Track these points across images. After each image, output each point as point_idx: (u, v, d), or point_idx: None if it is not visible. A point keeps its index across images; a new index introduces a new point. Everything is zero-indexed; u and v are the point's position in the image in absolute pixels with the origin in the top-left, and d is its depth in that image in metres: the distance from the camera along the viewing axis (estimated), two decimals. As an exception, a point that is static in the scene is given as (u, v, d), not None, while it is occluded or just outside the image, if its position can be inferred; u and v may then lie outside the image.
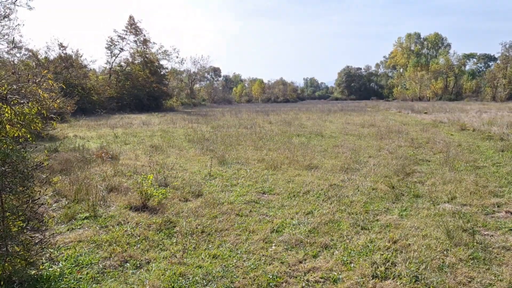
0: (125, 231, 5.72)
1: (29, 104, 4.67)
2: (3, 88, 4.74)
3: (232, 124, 23.47)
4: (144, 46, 48.86)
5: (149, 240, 5.42)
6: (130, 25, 47.48)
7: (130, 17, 47.39)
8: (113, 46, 46.82)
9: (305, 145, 14.43)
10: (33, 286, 4.14)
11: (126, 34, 47.29)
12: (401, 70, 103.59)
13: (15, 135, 4.57)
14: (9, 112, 4.57)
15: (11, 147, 4.28)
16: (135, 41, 48.18)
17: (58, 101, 4.75)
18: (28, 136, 4.61)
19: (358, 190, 7.80)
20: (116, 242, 5.34)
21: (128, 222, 6.09)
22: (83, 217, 6.29)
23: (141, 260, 4.83)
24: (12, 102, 4.57)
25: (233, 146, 14.14)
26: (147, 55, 48.56)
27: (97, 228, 5.87)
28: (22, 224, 4.17)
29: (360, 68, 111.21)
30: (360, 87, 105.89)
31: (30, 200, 4.26)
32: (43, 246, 4.33)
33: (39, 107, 4.66)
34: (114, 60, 47.83)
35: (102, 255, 4.95)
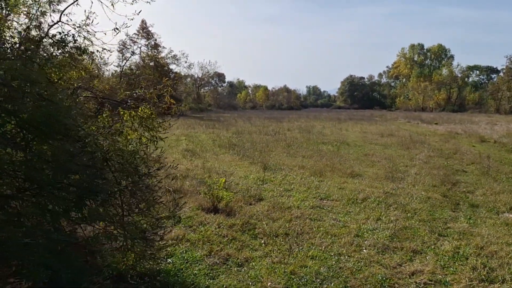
0: (212, 231, 5.96)
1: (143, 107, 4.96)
2: (124, 94, 5.03)
3: (252, 130, 23.74)
4: (155, 50, 49.28)
5: (238, 240, 5.67)
6: (142, 29, 47.91)
7: (142, 21, 47.84)
8: (125, 49, 47.14)
9: (336, 153, 14.70)
10: (155, 279, 4.39)
11: (137, 38, 47.69)
12: (404, 80, 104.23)
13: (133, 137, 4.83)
14: (127, 115, 4.86)
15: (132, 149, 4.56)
16: (146, 45, 48.61)
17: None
18: (143, 139, 4.87)
19: (414, 198, 8.07)
20: (209, 241, 5.58)
21: (208, 223, 6.33)
22: (164, 217, 6.51)
23: (240, 258, 5.08)
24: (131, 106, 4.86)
25: (266, 152, 14.39)
26: (157, 59, 48.93)
27: (183, 227, 6.11)
28: (145, 222, 4.42)
29: (364, 78, 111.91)
30: (363, 96, 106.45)
31: (152, 199, 4.51)
32: (164, 244, 4.57)
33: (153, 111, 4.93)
34: (125, 63, 48.17)
35: (202, 253, 5.20)
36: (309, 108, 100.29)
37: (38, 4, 4.91)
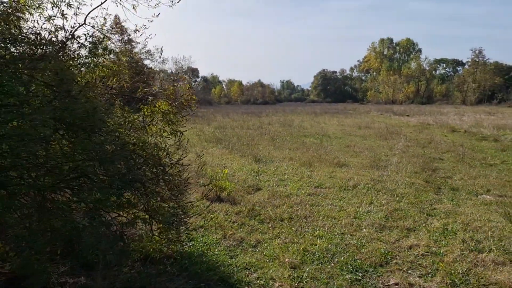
0: (221, 218, 6.40)
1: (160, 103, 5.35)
2: (143, 91, 5.40)
3: (233, 125, 24.12)
4: (129, 46, 48.71)
5: (247, 225, 6.13)
6: (116, 24, 47.22)
7: (116, 16, 47.11)
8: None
9: (319, 145, 15.33)
10: (180, 261, 4.80)
11: (111, 34, 46.96)
12: (374, 74, 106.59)
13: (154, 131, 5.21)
14: (147, 110, 5.23)
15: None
16: (120, 40, 47.97)
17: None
18: (164, 133, 5.25)
19: (400, 184, 8.73)
20: (221, 226, 6.02)
21: (216, 211, 6.75)
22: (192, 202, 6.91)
23: (252, 240, 5.55)
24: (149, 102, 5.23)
25: (253, 145, 14.86)
26: (132, 55, 48.39)
27: (192, 214, 6.50)
28: (172, 207, 4.82)
29: (336, 72, 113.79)
30: (335, 90, 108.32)
31: (176, 188, 4.91)
32: (187, 228, 4.98)
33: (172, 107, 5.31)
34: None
35: (217, 237, 5.63)
36: (283, 102, 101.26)
37: (58, 6, 5.16)
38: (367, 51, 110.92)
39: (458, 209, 6.88)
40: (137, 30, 5.21)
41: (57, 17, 4.96)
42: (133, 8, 5.04)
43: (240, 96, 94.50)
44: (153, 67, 59.14)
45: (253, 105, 79.73)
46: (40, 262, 3.82)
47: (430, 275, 4.43)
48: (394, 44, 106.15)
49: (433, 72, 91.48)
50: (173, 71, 73.18)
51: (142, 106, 5.31)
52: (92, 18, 4.82)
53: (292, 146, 14.78)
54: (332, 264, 4.72)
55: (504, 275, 4.30)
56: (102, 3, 4.83)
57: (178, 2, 5.09)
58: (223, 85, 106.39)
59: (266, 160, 11.73)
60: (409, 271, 4.54)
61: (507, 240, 5.33)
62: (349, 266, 4.66)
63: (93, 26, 4.85)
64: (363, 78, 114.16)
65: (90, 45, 4.48)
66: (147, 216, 4.59)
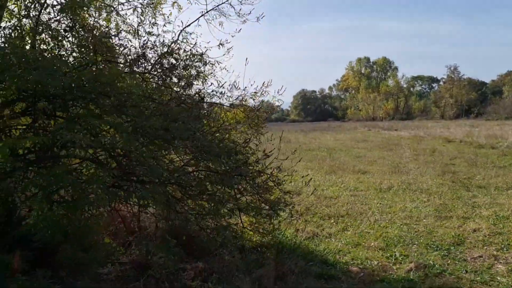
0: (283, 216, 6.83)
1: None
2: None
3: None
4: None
5: (312, 222, 6.60)
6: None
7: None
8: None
9: (330, 157, 15.95)
10: (274, 249, 5.21)
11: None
12: (353, 92, 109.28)
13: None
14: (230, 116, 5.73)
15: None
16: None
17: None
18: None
19: (430, 185, 9.36)
20: (289, 223, 6.45)
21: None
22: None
23: (324, 233, 6.02)
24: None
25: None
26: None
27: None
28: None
29: (315, 91, 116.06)
30: (316, 109, 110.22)
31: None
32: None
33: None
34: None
35: (291, 231, 6.06)
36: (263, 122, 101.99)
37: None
38: (345, 70, 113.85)
39: (496, 201, 7.53)
40: (221, 44, 5.61)
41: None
42: (220, 24, 5.54)
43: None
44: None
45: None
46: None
47: (505, 249, 4.99)
48: (371, 63, 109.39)
49: (411, 89, 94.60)
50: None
51: (224, 112, 5.77)
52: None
53: (305, 158, 15.31)
54: (415, 245, 5.24)
55: None
56: (195, 20, 5.32)
57: (263, 17, 5.59)
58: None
59: (289, 170, 12.18)
60: (485, 247, 5.08)
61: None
62: (431, 245, 5.20)
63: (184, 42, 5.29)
64: (342, 96, 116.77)
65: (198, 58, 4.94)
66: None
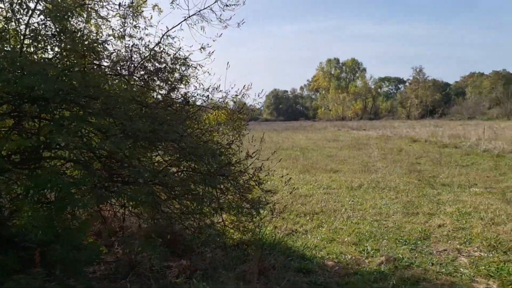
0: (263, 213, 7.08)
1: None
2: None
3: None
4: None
5: (289, 219, 6.88)
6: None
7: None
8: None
9: (303, 156, 16.36)
10: (251, 245, 5.45)
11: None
12: (324, 92, 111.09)
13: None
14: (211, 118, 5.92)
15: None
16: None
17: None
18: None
19: (398, 183, 9.85)
20: (267, 220, 6.71)
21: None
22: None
23: (301, 230, 6.31)
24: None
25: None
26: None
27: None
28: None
29: (287, 91, 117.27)
30: (287, 108, 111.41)
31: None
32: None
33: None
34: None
35: (270, 228, 6.31)
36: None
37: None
38: (316, 71, 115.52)
39: (459, 198, 8.05)
40: (203, 47, 5.78)
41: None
42: (201, 28, 5.71)
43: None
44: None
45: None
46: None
47: (468, 243, 5.42)
48: (340, 64, 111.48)
49: (378, 89, 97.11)
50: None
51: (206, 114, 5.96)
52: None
53: (279, 157, 15.62)
54: (385, 240, 5.60)
55: (525, 238, 5.40)
56: (177, 24, 5.47)
57: (243, 23, 5.80)
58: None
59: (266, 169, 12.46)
60: (449, 241, 5.50)
61: (513, 216, 6.50)
62: (400, 240, 5.58)
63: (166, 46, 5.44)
64: (313, 97, 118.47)
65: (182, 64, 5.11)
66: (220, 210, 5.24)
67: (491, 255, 4.95)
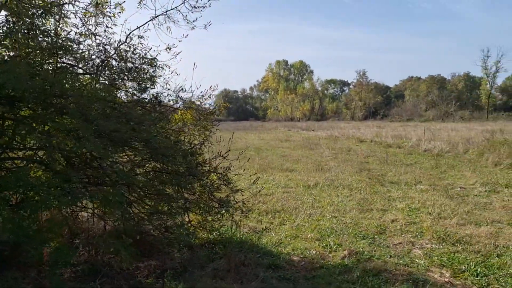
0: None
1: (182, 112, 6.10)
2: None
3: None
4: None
5: (251, 217, 7.04)
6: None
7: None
8: None
9: (258, 156, 16.61)
10: (220, 244, 5.56)
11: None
12: (273, 93, 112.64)
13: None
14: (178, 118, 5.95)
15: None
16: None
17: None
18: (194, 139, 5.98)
19: (350, 181, 10.33)
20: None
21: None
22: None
23: (270, 227, 6.50)
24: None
25: (198, 158, 15.54)
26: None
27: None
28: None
29: (237, 91, 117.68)
30: (237, 108, 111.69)
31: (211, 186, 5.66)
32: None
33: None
34: None
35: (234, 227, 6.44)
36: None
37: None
38: (265, 72, 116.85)
39: (408, 195, 8.62)
40: (169, 47, 5.79)
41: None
42: (167, 29, 5.71)
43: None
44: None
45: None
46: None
47: (419, 236, 5.86)
48: (289, 66, 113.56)
49: (325, 91, 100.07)
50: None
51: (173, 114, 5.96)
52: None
53: (235, 157, 15.75)
54: (346, 235, 5.92)
55: (469, 230, 5.92)
56: (143, 24, 5.44)
57: (210, 25, 5.88)
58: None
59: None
60: (403, 235, 5.91)
61: (458, 211, 7.07)
62: (359, 235, 5.92)
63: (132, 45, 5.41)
64: (263, 97, 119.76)
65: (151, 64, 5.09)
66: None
67: (441, 246, 5.40)
